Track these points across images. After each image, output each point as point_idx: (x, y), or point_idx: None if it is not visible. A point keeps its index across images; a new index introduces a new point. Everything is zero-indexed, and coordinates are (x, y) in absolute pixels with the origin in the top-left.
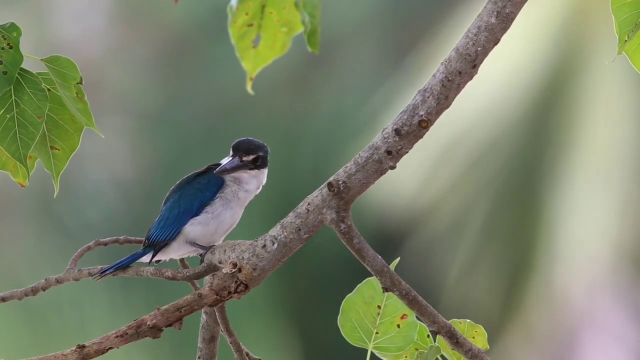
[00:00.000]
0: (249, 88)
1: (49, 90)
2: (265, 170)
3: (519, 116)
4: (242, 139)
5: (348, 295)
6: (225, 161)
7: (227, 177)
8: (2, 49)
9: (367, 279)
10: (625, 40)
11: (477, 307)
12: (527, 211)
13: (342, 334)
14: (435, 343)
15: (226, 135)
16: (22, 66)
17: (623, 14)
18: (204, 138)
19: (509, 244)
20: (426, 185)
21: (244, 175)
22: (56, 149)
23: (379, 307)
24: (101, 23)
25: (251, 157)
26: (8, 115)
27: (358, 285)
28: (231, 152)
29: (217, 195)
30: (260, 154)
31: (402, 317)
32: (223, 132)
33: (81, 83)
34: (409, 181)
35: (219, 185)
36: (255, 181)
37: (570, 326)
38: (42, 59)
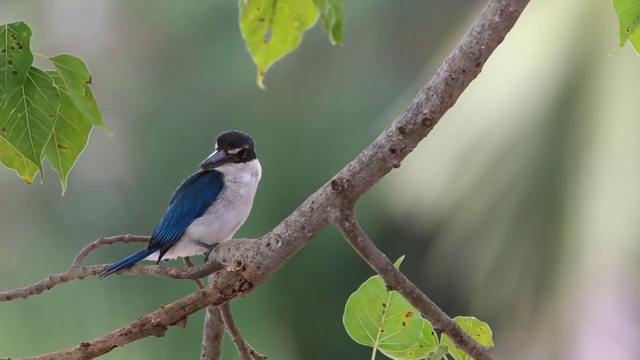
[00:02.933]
0: (259, 83)
1: (58, 89)
2: (252, 162)
3: (540, 115)
4: (227, 132)
5: (353, 294)
6: (211, 155)
7: (226, 178)
8: (12, 48)
9: (371, 277)
10: (627, 32)
11: (505, 307)
12: (552, 210)
13: (348, 332)
14: (441, 342)
15: None
16: (31, 65)
17: (623, 6)
18: (201, 137)
19: (535, 244)
20: (451, 187)
21: (230, 168)
22: (64, 147)
23: (384, 305)
24: (98, 23)
25: (236, 150)
26: (19, 115)
27: (363, 284)
28: (216, 146)
29: (219, 195)
30: (246, 146)
31: (407, 315)
32: (221, 132)
33: (90, 82)
34: (434, 182)
35: (220, 185)
36: (246, 174)
37: (578, 327)
38: (51, 58)
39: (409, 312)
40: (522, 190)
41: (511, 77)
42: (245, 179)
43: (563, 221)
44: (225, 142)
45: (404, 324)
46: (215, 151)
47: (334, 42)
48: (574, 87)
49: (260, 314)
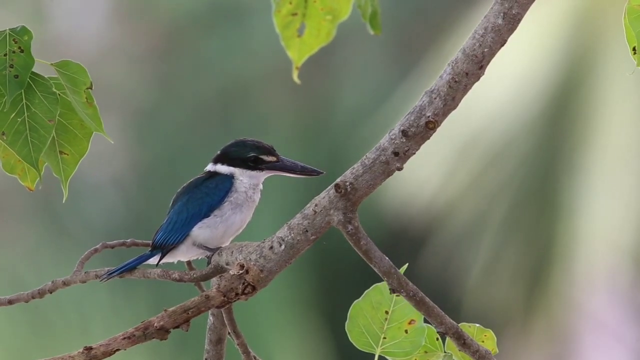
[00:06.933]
0: (295, 77)
1: (58, 94)
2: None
3: (534, 115)
4: (261, 140)
5: (356, 301)
6: (284, 163)
7: (239, 182)
8: (14, 52)
9: (375, 285)
10: None
11: (499, 307)
12: (545, 209)
13: (350, 339)
14: (446, 349)
15: (223, 131)
16: (32, 70)
17: (639, 26)
18: (201, 134)
19: (529, 243)
20: (445, 186)
21: (251, 172)
22: (65, 153)
23: (386, 312)
24: (96, 21)
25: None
26: (19, 119)
27: (366, 291)
28: (270, 157)
29: (226, 199)
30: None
31: (409, 323)
32: (220, 128)
33: (91, 88)
34: (428, 182)
35: (227, 189)
36: (260, 179)
37: (572, 326)
38: (52, 64)
39: (412, 320)
40: (516, 190)
41: (506, 77)
42: (260, 184)
43: (556, 220)
44: (272, 150)
45: (406, 331)
46: (274, 160)
47: (371, 32)
48: (568, 86)
49: (280, 315)
